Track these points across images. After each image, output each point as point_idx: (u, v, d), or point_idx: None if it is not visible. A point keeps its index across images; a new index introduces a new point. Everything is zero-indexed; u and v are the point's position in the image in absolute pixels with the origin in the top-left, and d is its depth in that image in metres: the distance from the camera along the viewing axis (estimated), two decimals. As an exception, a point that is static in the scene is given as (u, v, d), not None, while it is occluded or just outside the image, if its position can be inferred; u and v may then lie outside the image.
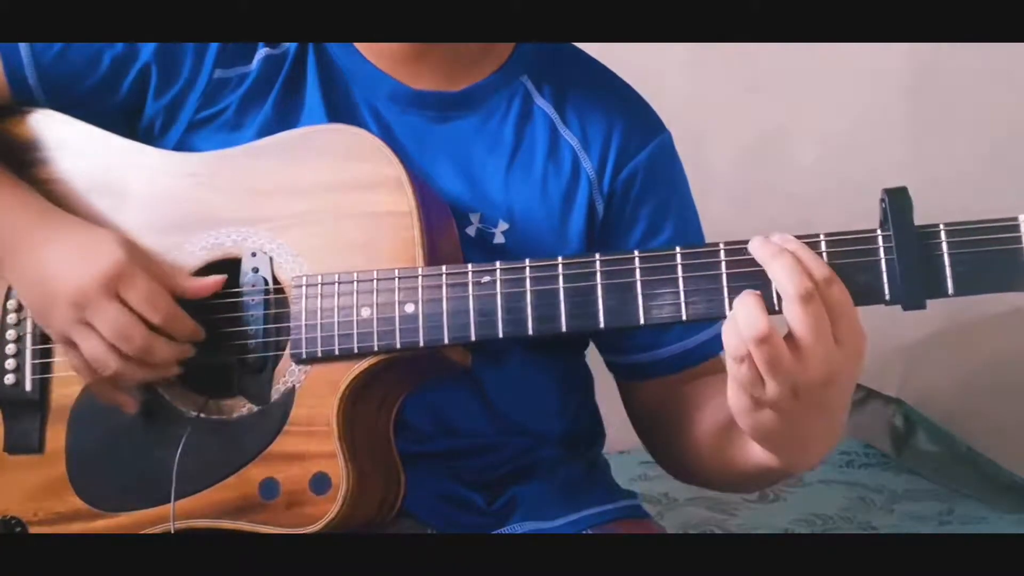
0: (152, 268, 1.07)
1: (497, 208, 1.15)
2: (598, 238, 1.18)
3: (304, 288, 1.04)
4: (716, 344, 1.19)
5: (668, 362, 1.19)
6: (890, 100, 2.50)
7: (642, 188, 1.19)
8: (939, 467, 2.27)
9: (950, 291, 0.92)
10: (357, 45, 1.18)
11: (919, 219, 0.93)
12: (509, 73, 1.19)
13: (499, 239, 1.15)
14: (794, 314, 0.90)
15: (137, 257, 1.06)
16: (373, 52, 1.17)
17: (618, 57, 1.25)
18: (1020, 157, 2.38)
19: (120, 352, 1.04)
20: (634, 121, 1.21)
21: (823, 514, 2.00)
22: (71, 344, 1.07)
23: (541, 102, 1.19)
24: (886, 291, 0.93)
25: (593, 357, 1.26)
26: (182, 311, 1.06)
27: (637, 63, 1.26)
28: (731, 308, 0.93)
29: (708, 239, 1.25)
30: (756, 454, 1.00)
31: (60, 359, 1.10)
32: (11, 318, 1.12)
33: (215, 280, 1.07)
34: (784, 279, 0.90)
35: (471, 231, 1.14)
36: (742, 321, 0.90)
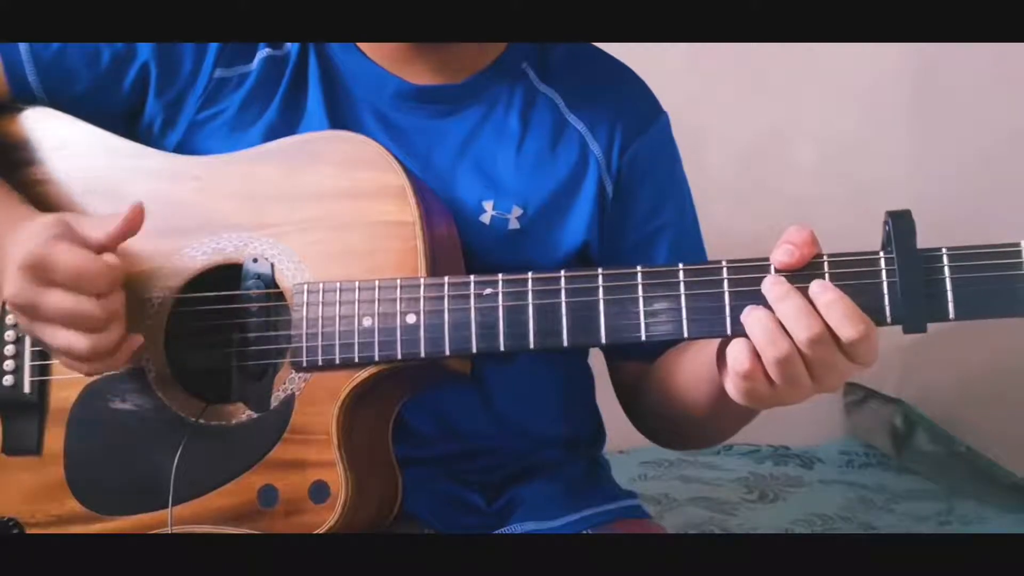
0: (75, 236, 1.00)
1: (510, 194, 1.15)
2: (608, 219, 1.18)
3: (305, 295, 1.04)
4: None
5: (656, 345, 1.19)
6: (890, 100, 2.50)
7: (645, 167, 1.20)
8: (939, 467, 2.27)
9: (951, 315, 0.92)
10: (358, 44, 1.18)
11: (919, 218, 0.93)
12: (510, 61, 1.19)
13: (514, 224, 1.15)
14: (809, 354, 0.92)
15: (57, 234, 1.00)
16: (374, 51, 1.18)
17: (618, 57, 1.26)
18: (1020, 157, 2.39)
19: (85, 328, 0.99)
20: (636, 102, 1.23)
21: (823, 514, 2.00)
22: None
23: (544, 87, 1.19)
24: (887, 313, 0.93)
25: (593, 358, 1.27)
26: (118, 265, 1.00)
27: (637, 63, 1.26)
28: (732, 325, 0.94)
29: (708, 239, 1.26)
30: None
31: (58, 361, 1.10)
32: (10, 319, 1.11)
33: (131, 211, 1.01)
34: (793, 322, 0.92)
35: (485, 219, 1.15)
36: (767, 289, 0.93)
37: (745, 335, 0.93)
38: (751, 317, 0.93)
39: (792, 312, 0.92)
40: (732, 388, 0.95)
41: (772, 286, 0.93)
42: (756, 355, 0.92)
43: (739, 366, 0.92)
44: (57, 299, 0.99)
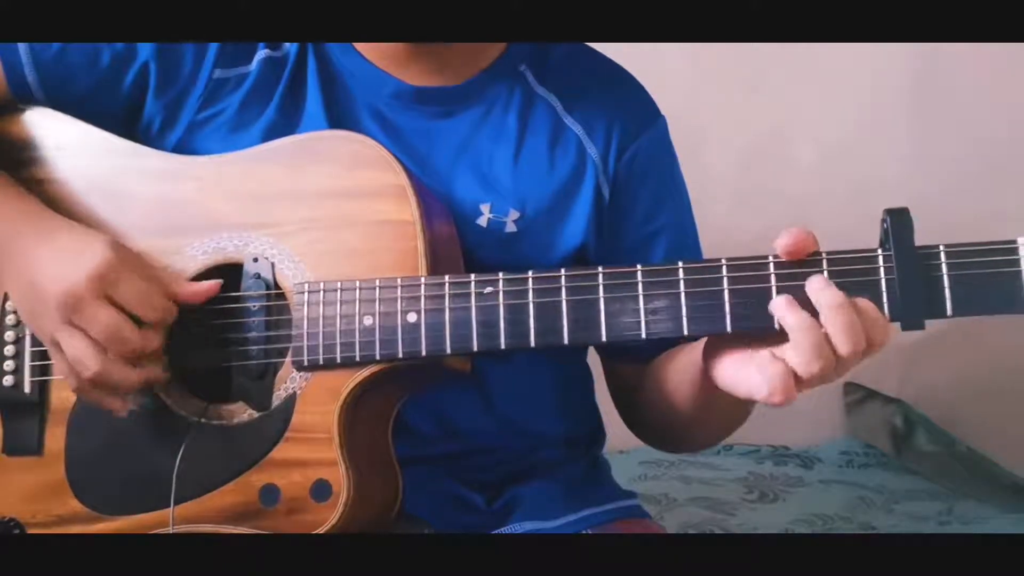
0: (146, 270, 1.06)
1: (507, 197, 1.16)
2: (605, 221, 1.18)
3: (306, 295, 1.04)
4: None
5: (651, 344, 1.19)
6: (890, 100, 2.51)
7: (643, 170, 1.20)
8: (939, 467, 2.27)
9: (949, 312, 0.93)
10: (356, 45, 1.18)
11: (919, 218, 0.93)
12: (508, 63, 1.20)
13: (511, 228, 1.15)
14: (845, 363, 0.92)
15: (128, 258, 1.05)
16: (372, 52, 1.18)
17: (618, 57, 1.26)
18: (1020, 157, 2.39)
19: (106, 353, 1.03)
20: (634, 104, 1.23)
21: (823, 514, 1.99)
22: (58, 347, 1.05)
23: (542, 90, 1.20)
24: (886, 310, 0.93)
25: (592, 358, 1.27)
26: (177, 308, 1.05)
27: (637, 63, 1.26)
28: (732, 323, 0.94)
29: (708, 239, 1.26)
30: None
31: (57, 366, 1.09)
32: (10, 319, 1.11)
33: (210, 285, 1.06)
34: (842, 336, 0.91)
35: (482, 221, 1.15)
36: (821, 293, 0.91)
37: (742, 336, 0.93)
38: (803, 328, 0.91)
39: (845, 326, 0.90)
40: (751, 398, 0.94)
41: (825, 289, 0.92)
42: (794, 377, 0.91)
43: (774, 398, 0.91)
44: (107, 314, 1.02)
